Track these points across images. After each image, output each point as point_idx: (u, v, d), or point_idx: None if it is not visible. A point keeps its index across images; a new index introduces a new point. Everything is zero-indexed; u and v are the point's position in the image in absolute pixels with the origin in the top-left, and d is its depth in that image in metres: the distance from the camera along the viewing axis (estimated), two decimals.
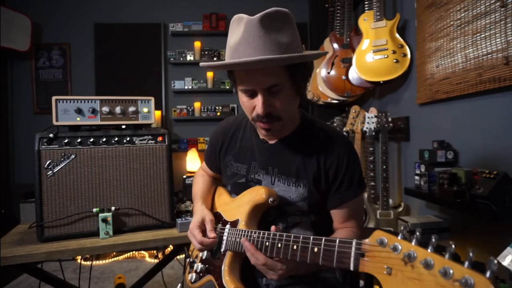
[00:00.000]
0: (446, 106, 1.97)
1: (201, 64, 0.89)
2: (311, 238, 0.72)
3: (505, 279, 1.27)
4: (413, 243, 0.53)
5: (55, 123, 1.49)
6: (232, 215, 1.03)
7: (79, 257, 2.04)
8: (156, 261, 3.22)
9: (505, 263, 1.09)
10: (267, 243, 0.84)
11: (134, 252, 3.34)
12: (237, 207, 1.02)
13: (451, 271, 0.47)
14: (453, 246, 0.49)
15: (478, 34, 1.65)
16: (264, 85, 0.83)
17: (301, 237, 0.75)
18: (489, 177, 1.44)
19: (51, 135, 1.44)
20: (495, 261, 0.45)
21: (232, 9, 3.79)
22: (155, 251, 3.36)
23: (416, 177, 1.94)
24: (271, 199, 0.94)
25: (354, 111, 2.76)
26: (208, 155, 1.21)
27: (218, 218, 1.09)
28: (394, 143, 2.56)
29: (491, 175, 1.43)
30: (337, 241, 0.66)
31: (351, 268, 0.62)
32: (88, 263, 2.97)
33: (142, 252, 3.39)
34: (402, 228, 0.52)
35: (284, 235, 0.80)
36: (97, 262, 3.20)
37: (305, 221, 1.00)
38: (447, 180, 1.63)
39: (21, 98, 3.71)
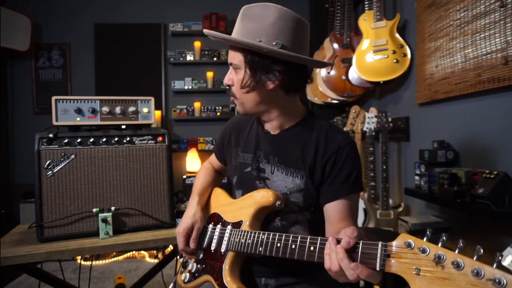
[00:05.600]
0: (445, 106, 1.97)
1: (205, 31, 0.98)
2: (330, 239, 0.73)
3: None
4: (439, 245, 0.57)
5: (55, 123, 1.48)
6: (234, 216, 1.03)
7: (79, 257, 2.04)
8: (156, 261, 3.22)
9: (505, 263, 1.09)
10: (278, 244, 0.84)
11: (134, 252, 3.34)
12: (239, 208, 1.02)
13: (483, 271, 0.50)
14: (481, 250, 0.53)
15: (477, 34, 1.65)
16: (229, 60, 0.97)
17: (319, 238, 0.76)
18: (489, 177, 1.44)
19: (51, 135, 1.44)
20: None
21: (232, 9, 3.78)
22: (155, 251, 3.36)
23: (416, 177, 1.94)
24: (278, 203, 0.94)
25: (354, 111, 2.76)
26: (218, 146, 1.25)
27: (216, 219, 1.09)
28: (394, 143, 2.56)
29: (491, 175, 1.43)
30: (361, 242, 0.68)
31: (377, 269, 0.64)
32: (88, 263, 2.97)
33: (142, 252, 3.38)
34: (427, 232, 0.57)
35: (299, 237, 0.80)
36: (97, 262, 3.20)
37: (301, 219, 1.00)
38: (447, 180, 1.63)
39: (21, 98, 3.71)
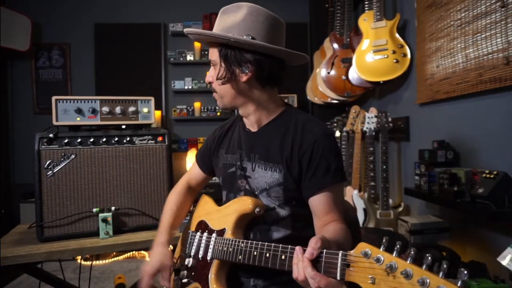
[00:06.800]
0: (446, 106, 1.97)
1: (185, 30, 1.03)
2: (297, 249, 0.74)
3: (505, 279, 1.27)
4: (394, 255, 0.58)
5: (55, 123, 1.48)
6: (218, 223, 1.04)
7: (79, 257, 2.04)
8: None
9: (504, 263, 1.09)
10: (255, 253, 0.86)
11: (134, 252, 3.34)
12: (223, 216, 1.03)
13: (428, 281, 0.52)
14: (429, 258, 0.54)
15: (478, 34, 1.65)
16: (209, 57, 1.03)
17: (289, 247, 0.78)
18: (489, 177, 1.44)
19: (51, 135, 1.44)
20: (465, 272, 0.51)
21: None
22: None
23: (416, 177, 1.94)
24: (257, 210, 0.95)
25: (354, 111, 2.76)
26: (202, 153, 1.24)
27: (203, 227, 1.10)
28: (394, 143, 2.56)
29: (491, 175, 1.43)
30: (324, 252, 0.69)
31: (338, 278, 0.65)
32: (88, 263, 2.97)
33: (142, 252, 3.38)
34: (384, 240, 0.60)
35: (272, 245, 0.82)
36: (97, 262, 3.20)
37: (282, 216, 1.00)
38: (447, 180, 1.63)
39: (21, 98, 3.71)
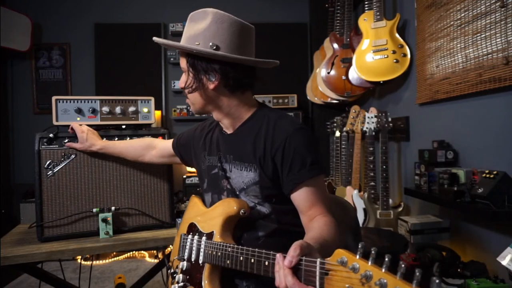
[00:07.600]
0: (446, 106, 1.97)
1: (154, 39, 1.04)
2: (277, 256, 0.73)
3: (504, 279, 1.27)
4: (369, 263, 0.56)
5: (55, 123, 1.49)
6: (206, 226, 1.05)
7: (79, 257, 2.05)
8: (156, 261, 3.22)
9: (504, 262, 1.09)
10: (241, 258, 0.86)
11: (134, 252, 3.34)
12: (211, 218, 1.04)
13: None
14: (403, 266, 0.52)
15: (478, 34, 1.65)
16: (180, 64, 1.04)
17: (271, 253, 0.78)
18: (489, 177, 1.44)
19: (51, 135, 1.44)
20: (437, 281, 0.50)
21: (232, 10, 3.77)
22: (155, 251, 3.36)
23: (416, 177, 1.94)
24: (242, 211, 0.96)
25: (354, 111, 2.76)
26: (182, 138, 1.30)
27: (194, 229, 1.10)
28: (394, 143, 2.56)
29: (491, 175, 1.43)
30: (304, 259, 0.68)
31: (317, 286, 0.64)
32: (88, 263, 2.97)
33: (142, 252, 3.39)
34: (360, 246, 0.58)
35: (256, 251, 0.82)
36: (97, 262, 3.20)
37: (264, 213, 1.00)
38: (447, 180, 1.63)
39: (21, 98, 3.71)
